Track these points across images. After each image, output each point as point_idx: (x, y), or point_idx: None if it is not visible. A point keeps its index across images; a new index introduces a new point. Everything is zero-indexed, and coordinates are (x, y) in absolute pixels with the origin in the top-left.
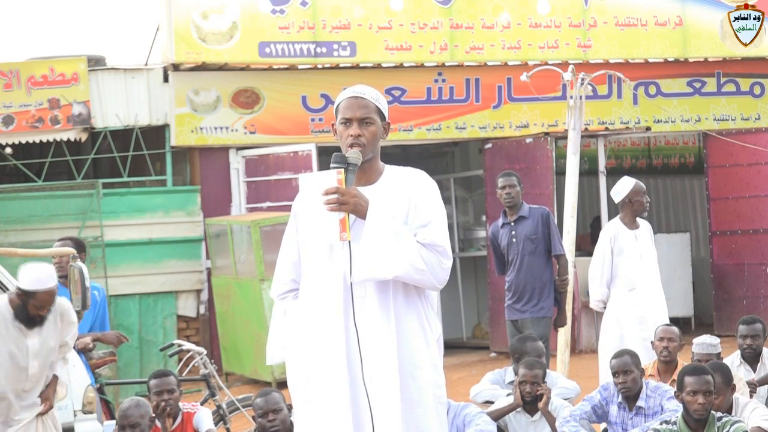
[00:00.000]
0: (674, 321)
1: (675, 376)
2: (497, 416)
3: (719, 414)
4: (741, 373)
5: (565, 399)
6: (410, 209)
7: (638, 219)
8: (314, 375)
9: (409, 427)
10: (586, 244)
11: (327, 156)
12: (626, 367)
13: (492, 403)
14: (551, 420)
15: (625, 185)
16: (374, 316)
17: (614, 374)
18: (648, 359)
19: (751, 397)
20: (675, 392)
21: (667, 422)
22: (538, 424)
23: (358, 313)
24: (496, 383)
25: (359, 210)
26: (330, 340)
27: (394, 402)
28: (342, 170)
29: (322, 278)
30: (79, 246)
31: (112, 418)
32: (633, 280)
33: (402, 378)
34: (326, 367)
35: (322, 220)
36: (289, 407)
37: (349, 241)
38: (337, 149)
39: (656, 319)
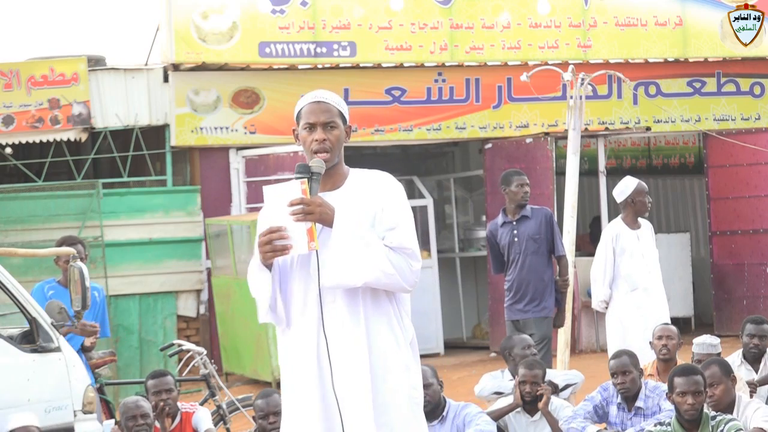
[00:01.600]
0: (674, 321)
1: None
2: (497, 416)
3: (713, 413)
4: (742, 373)
5: (572, 384)
6: (377, 212)
7: (640, 219)
8: (290, 382)
9: (383, 430)
10: (585, 244)
11: (306, 164)
12: (625, 367)
13: (500, 394)
14: (551, 420)
15: (628, 185)
16: (343, 321)
17: (613, 375)
18: (648, 358)
19: (750, 397)
20: (666, 393)
21: (661, 423)
22: (538, 424)
23: (326, 319)
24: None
25: (325, 218)
26: (301, 347)
27: (365, 407)
28: (305, 180)
29: (292, 287)
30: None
31: (112, 417)
32: (635, 281)
33: (373, 381)
34: (298, 373)
35: (289, 230)
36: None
37: (317, 252)
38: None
39: (659, 319)
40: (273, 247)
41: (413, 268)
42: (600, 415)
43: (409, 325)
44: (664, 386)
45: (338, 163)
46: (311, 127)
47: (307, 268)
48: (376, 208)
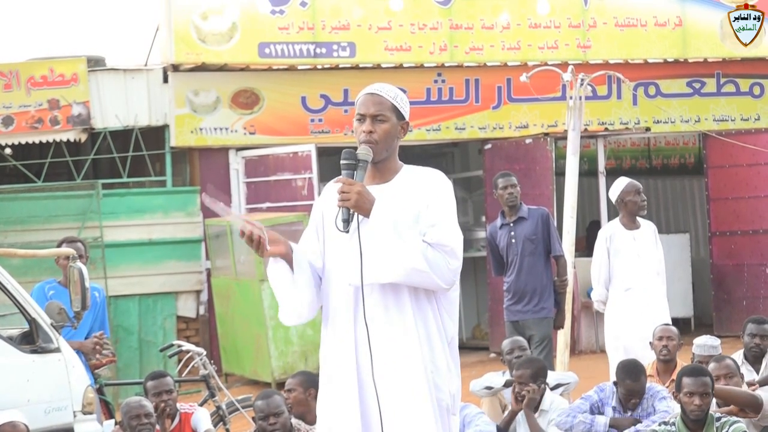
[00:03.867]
0: (674, 321)
1: (674, 376)
2: (506, 424)
3: (718, 414)
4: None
5: (563, 384)
6: (422, 209)
7: (640, 219)
8: (327, 373)
9: (407, 427)
10: (582, 248)
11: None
12: (642, 390)
13: (491, 388)
14: (532, 423)
15: (617, 186)
16: (377, 314)
17: (629, 394)
18: (647, 359)
19: None
20: (673, 392)
21: (665, 423)
22: (540, 422)
23: (367, 311)
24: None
25: (362, 207)
26: (340, 338)
27: (390, 401)
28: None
29: (335, 278)
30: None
31: (112, 418)
32: (628, 281)
33: (400, 377)
34: (336, 364)
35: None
36: (290, 410)
37: (360, 243)
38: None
39: (653, 319)
40: (256, 244)
41: (451, 266)
42: (594, 414)
43: (450, 326)
44: (659, 387)
45: (389, 157)
46: (362, 118)
47: (347, 260)
48: (421, 206)
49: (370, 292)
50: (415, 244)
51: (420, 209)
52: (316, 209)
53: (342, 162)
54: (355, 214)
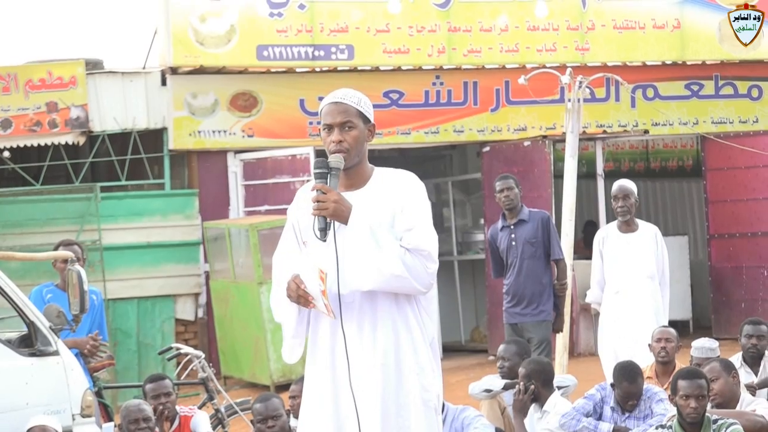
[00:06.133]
0: (672, 324)
1: None
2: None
3: (715, 417)
4: (741, 376)
5: (563, 387)
6: (396, 213)
7: (640, 222)
8: (308, 379)
9: (394, 431)
10: (580, 249)
11: (325, 159)
12: (640, 391)
13: (490, 391)
14: (518, 424)
15: None
16: (361, 320)
17: (626, 396)
18: (635, 360)
19: None
20: (669, 395)
21: (662, 426)
22: (541, 423)
23: (344, 318)
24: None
25: (339, 215)
26: (319, 344)
27: (376, 407)
28: (324, 272)
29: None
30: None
31: (111, 421)
32: (617, 284)
33: (387, 382)
34: (315, 371)
35: (310, 290)
36: (288, 413)
37: (336, 250)
38: None
39: (637, 322)
40: (297, 299)
41: (428, 270)
42: (597, 412)
43: (430, 326)
44: (657, 388)
45: (360, 162)
46: (329, 128)
47: (325, 268)
48: (396, 209)
49: (351, 299)
50: (393, 250)
51: (395, 213)
52: (290, 217)
53: (314, 171)
54: (332, 222)
